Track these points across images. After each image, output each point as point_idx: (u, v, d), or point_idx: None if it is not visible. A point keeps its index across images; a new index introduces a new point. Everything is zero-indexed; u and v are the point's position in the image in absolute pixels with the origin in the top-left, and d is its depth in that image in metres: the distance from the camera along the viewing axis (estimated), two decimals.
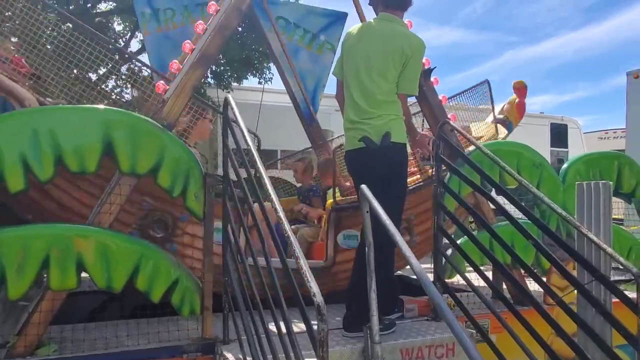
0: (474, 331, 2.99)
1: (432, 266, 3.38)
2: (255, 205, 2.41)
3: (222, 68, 9.51)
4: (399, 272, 4.41)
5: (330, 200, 4.03)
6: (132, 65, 9.49)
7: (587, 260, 2.40)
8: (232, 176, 2.76)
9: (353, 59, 2.97)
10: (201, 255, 2.93)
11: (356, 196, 3.00)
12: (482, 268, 3.08)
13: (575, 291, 2.48)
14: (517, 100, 5.19)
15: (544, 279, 3.64)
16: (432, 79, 3.80)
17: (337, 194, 4.06)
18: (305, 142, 5.40)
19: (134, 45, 9.36)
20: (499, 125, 4.79)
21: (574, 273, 2.53)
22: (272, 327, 2.14)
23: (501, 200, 2.96)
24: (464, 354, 1.42)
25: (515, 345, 2.64)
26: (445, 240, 3.40)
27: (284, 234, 1.74)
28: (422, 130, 3.86)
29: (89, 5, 8.67)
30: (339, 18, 5.38)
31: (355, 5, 4.40)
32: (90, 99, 3.20)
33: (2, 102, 2.86)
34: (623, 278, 4.39)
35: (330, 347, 1.93)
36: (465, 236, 3.31)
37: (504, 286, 3.71)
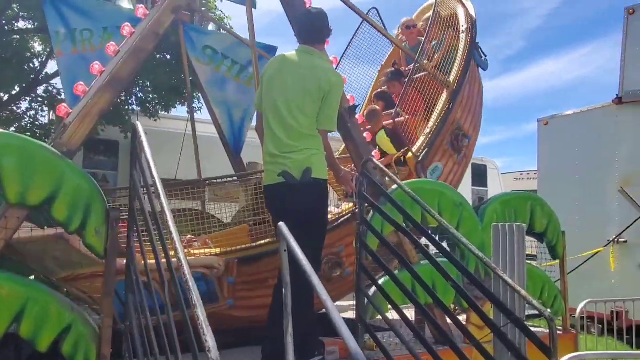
0: None
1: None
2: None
3: (150, 96, 9.16)
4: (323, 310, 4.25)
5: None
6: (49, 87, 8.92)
7: (502, 302, 2.40)
8: None
9: (272, 91, 2.90)
10: None
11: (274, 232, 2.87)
12: (408, 306, 3.02)
13: None
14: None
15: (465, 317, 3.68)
16: (356, 116, 3.81)
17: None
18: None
19: (52, 66, 8.79)
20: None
21: (491, 314, 2.51)
22: None
23: (423, 239, 2.94)
24: None
25: None
26: None
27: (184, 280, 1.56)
28: None
29: (3, 21, 8.07)
30: (269, 52, 5.35)
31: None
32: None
33: None
34: (535, 312, 4.50)
35: None
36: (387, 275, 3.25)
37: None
